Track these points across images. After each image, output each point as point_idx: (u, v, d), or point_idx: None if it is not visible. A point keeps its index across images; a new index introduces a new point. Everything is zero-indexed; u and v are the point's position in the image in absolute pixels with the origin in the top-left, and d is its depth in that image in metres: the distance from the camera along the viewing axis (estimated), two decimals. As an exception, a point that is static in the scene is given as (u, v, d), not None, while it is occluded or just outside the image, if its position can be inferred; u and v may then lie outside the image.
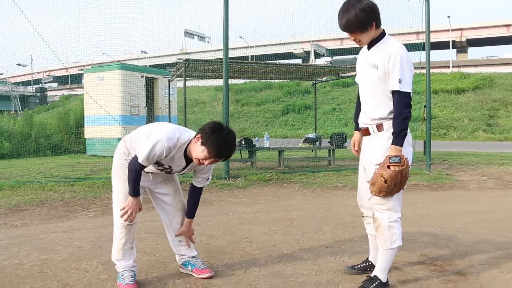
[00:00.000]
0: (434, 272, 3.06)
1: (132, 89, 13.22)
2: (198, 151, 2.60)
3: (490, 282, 2.92)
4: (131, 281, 2.78)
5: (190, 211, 3.01)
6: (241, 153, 10.62)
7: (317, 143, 10.84)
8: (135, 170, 2.65)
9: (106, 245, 3.79)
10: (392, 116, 2.59)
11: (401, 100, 2.51)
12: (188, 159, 2.76)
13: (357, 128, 3.01)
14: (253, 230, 4.38)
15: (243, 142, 9.91)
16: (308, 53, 46.27)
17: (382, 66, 2.56)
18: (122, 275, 2.82)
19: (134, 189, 2.71)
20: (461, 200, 6.25)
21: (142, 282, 2.90)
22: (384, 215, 2.66)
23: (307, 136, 11.08)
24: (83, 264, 3.32)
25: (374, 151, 2.68)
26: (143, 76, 13.80)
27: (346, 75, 11.72)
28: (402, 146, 2.53)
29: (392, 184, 2.51)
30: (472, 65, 41.66)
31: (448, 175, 8.69)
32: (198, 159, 2.63)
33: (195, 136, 2.68)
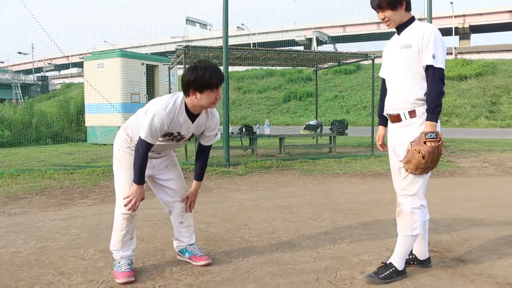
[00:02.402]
0: (434, 259, 3.03)
1: (132, 77, 13.14)
2: (206, 97, 2.59)
3: (489, 267, 2.90)
4: (128, 269, 2.76)
5: (199, 173, 2.98)
6: (241, 141, 10.58)
7: (318, 130, 10.79)
8: (142, 153, 2.60)
9: (104, 233, 3.78)
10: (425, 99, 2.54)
11: (435, 76, 2.46)
12: (192, 117, 2.72)
13: (381, 122, 2.96)
14: (252, 217, 4.36)
15: (243, 129, 9.87)
16: (310, 40, 45.92)
17: (416, 44, 2.53)
18: (119, 263, 2.80)
19: (140, 176, 2.66)
20: (462, 187, 6.22)
21: (139, 270, 2.88)
22: (407, 200, 2.63)
23: (308, 123, 11.02)
24: (80, 252, 3.30)
25: (404, 137, 2.61)
26: (143, 63, 13.70)
27: (348, 61, 11.60)
28: (437, 122, 2.49)
29: (429, 160, 2.48)
30: (475, 51, 41.30)
31: (449, 162, 8.65)
32: (212, 102, 2.62)
33: (185, 95, 2.65)
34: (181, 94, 2.70)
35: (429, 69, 2.48)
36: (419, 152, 2.48)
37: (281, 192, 5.81)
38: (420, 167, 2.51)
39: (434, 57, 2.46)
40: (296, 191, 5.88)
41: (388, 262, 2.74)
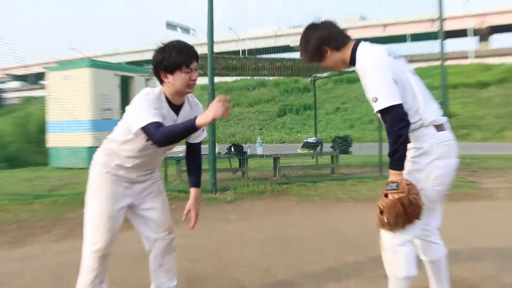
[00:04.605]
0: (456, 299, 3.01)
1: (104, 90, 13.14)
2: (178, 79, 2.60)
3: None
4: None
5: (195, 177, 3.01)
6: (230, 162, 10.56)
7: (318, 148, 10.80)
8: (161, 131, 2.42)
9: (68, 275, 3.70)
10: (413, 127, 2.54)
11: (386, 118, 2.46)
12: (176, 110, 2.72)
13: None
14: (243, 252, 4.33)
15: (232, 149, 9.87)
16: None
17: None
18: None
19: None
20: (487, 212, 6.22)
21: (108, 319, 2.82)
22: (387, 234, 2.59)
23: (306, 140, 11.05)
24: (39, 298, 3.23)
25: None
26: (117, 74, 13.74)
27: (351, 69, 11.69)
28: (400, 169, 2.44)
29: (392, 216, 2.43)
30: (496, 55, 41.91)
31: (471, 183, 8.67)
32: (187, 84, 2.62)
33: (159, 82, 2.67)
34: (155, 87, 2.72)
35: (379, 114, 2.49)
36: (378, 206, 2.49)
37: (276, 221, 5.79)
38: (384, 224, 2.48)
39: (376, 100, 2.46)
40: (294, 220, 5.87)
41: None
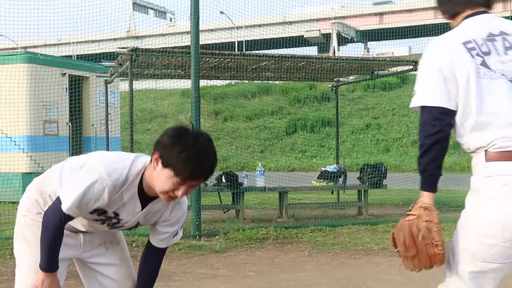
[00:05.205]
0: None
1: (46, 94, 13.14)
2: (162, 178, 2.53)
3: None
4: None
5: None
6: (220, 196, 10.54)
7: (340, 180, 10.80)
8: (54, 225, 2.58)
9: None
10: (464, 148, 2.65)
11: (420, 122, 2.60)
12: (145, 199, 2.70)
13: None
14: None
15: (223, 179, 9.86)
16: (327, 37, 46.81)
17: None
18: None
19: (50, 259, 2.62)
20: None
21: None
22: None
23: (324, 169, 11.04)
24: None
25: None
26: (64, 73, 13.77)
27: (386, 72, 11.76)
28: (427, 190, 2.56)
29: (399, 241, 2.56)
30: None
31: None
32: (166, 192, 2.56)
33: (150, 160, 2.62)
34: (140, 159, 2.69)
35: None
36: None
37: (281, 280, 5.77)
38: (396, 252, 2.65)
39: (413, 94, 2.64)
40: (305, 278, 5.85)
41: None
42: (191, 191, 2.64)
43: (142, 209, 2.72)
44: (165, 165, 2.52)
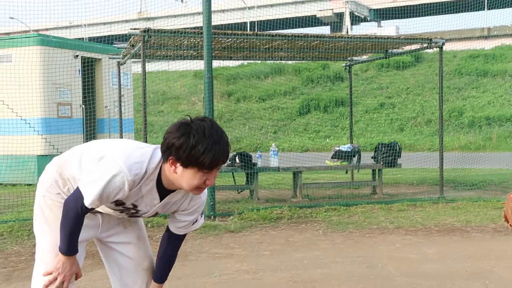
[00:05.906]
0: None
1: (59, 77, 13.18)
2: (188, 177, 2.55)
3: None
4: None
5: (162, 272, 2.97)
6: (234, 177, 10.56)
7: (354, 159, 10.78)
8: (75, 215, 2.60)
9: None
10: None
11: None
12: (163, 191, 2.71)
13: None
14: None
15: (237, 160, 9.86)
16: (340, 16, 46.55)
17: None
18: None
19: (70, 244, 2.65)
20: None
21: None
22: None
23: (338, 148, 11.01)
24: None
25: None
26: (77, 55, 13.79)
27: (400, 50, 11.67)
28: None
29: (509, 214, 2.61)
30: None
31: None
32: (197, 187, 2.59)
33: (163, 160, 2.62)
34: (158, 152, 2.67)
35: None
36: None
37: (296, 259, 5.77)
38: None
39: None
40: (320, 257, 5.85)
41: None
42: (217, 174, 2.64)
43: (160, 201, 2.74)
44: (185, 165, 2.53)
